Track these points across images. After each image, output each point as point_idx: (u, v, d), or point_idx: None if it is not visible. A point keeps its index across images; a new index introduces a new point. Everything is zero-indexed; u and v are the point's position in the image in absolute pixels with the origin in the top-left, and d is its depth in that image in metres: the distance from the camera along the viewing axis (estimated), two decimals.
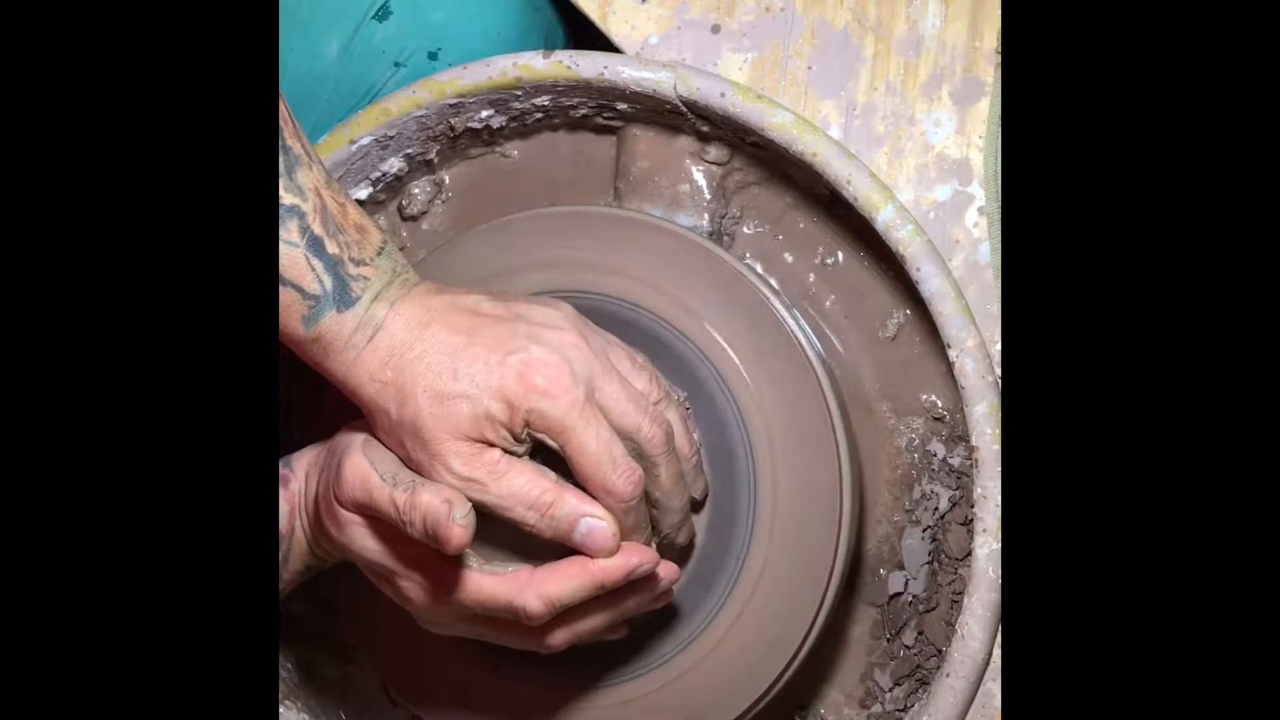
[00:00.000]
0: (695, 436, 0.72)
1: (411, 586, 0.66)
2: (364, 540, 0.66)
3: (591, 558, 0.65)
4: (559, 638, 0.67)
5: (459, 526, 0.61)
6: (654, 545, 0.70)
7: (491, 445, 0.65)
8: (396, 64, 0.87)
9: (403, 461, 0.66)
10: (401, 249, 0.87)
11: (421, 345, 0.65)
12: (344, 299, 0.65)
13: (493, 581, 0.65)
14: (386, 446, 0.67)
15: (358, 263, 0.66)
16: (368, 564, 0.68)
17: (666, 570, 0.68)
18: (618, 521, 0.65)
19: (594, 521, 0.65)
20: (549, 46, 0.93)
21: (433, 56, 0.87)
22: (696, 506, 0.73)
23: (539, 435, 0.65)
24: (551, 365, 0.64)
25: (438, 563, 0.65)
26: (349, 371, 0.66)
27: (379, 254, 0.67)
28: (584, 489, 0.66)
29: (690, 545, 0.72)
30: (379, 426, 0.67)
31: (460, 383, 0.64)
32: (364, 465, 0.65)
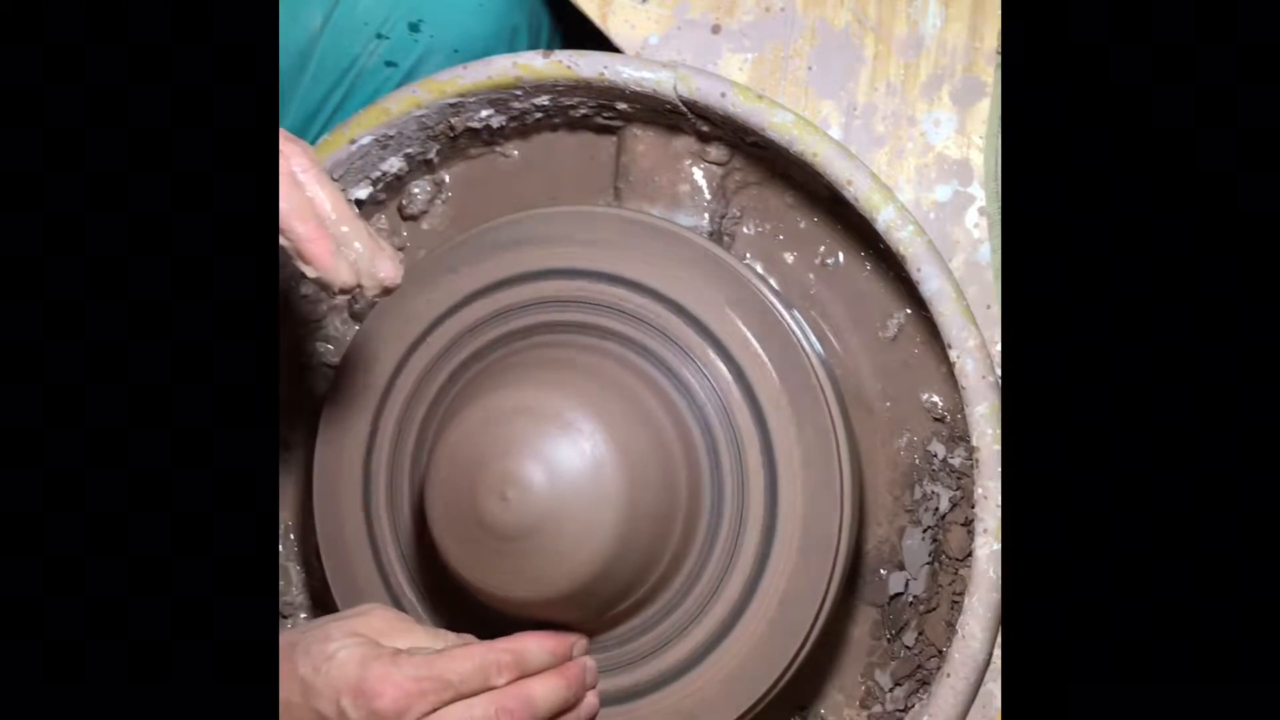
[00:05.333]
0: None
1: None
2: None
3: None
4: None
5: None
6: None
7: None
8: (379, 35, 0.87)
9: None
10: (402, 249, 0.87)
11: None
12: None
13: (455, 651, 0.66)
14: None
15: None
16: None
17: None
18: None
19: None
20: (534, 19, 0.92)
21: (414, 28, 0.86)
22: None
23: None
24: None
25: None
26: None
27: None
28: None
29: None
30: None
31: None
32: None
